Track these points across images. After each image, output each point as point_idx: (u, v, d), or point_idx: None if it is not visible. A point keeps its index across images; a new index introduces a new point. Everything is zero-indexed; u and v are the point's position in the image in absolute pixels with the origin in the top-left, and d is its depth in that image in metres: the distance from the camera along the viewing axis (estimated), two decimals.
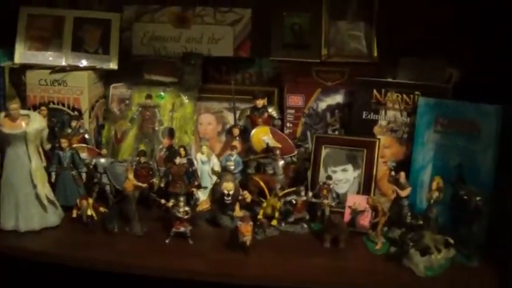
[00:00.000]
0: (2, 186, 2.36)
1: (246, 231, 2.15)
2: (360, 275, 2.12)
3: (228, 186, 2.36)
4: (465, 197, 2.16)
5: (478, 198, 2.13)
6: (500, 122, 2.29)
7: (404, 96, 2.61)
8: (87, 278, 2.65)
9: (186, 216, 2.26)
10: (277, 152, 2.57)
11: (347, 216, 2.39)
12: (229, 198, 2.37)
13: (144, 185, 2.43)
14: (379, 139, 2.56)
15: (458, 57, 2.67)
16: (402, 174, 2.32)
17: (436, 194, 2.20)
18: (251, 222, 2.18)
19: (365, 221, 2.36)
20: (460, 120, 2.41)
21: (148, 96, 2.82)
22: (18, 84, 2.77)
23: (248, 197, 2.44)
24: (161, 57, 3.01)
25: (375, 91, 2.65)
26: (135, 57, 3.02)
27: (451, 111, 2.44)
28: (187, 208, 2.28)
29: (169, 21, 3.00)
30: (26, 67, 2.82)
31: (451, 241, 2.14)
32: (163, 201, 2.40)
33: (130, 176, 2.34)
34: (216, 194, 2.43)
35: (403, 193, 2.30)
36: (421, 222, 2.19)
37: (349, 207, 2.39)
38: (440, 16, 2.71)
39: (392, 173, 2.41)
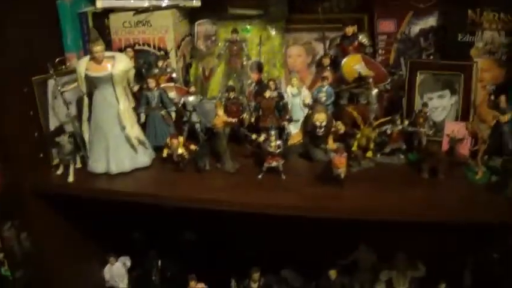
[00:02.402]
0: (91, 130, 2.39)
1: (340, 163, 2.08)
2: (460, 206, 2.04)
3: (320, 118, 2.30)
4: None
5: None
6: None
7: (502, 15, 2.47)
8: (178, 217, 2.68)
9: (277, 151, 2.23)
10: (370, 80, 2.48)
11: (445, 145, 2.30)
12: (322, 130, 2.31)
13: (235, 121, 2.43)
14: (476, 62, 2.44)
15: None
16: (503, 98, 2.21)
17: None
18: (345, 154, 2.11)
19: (464, 149, 2.28)
20: None
21: (234, 31, 2.73)
22: (101, 29, 2.73)
23: (341, 127, 2.37)
24: None
25: (469, 11, 2.51)
26: None
27: None
28: (278, 142, 2.24)
29: None
30: (108, 11, 2.79)
31: None
32: (254, 136, 2.36)
33: (220, 112, 2.32)
34: (308, 127, 2.36)
35: (504, 118, 2.19)
36: None
37: (447, 135, 2.30)
38: None
39: (492, 97, 2.34)
